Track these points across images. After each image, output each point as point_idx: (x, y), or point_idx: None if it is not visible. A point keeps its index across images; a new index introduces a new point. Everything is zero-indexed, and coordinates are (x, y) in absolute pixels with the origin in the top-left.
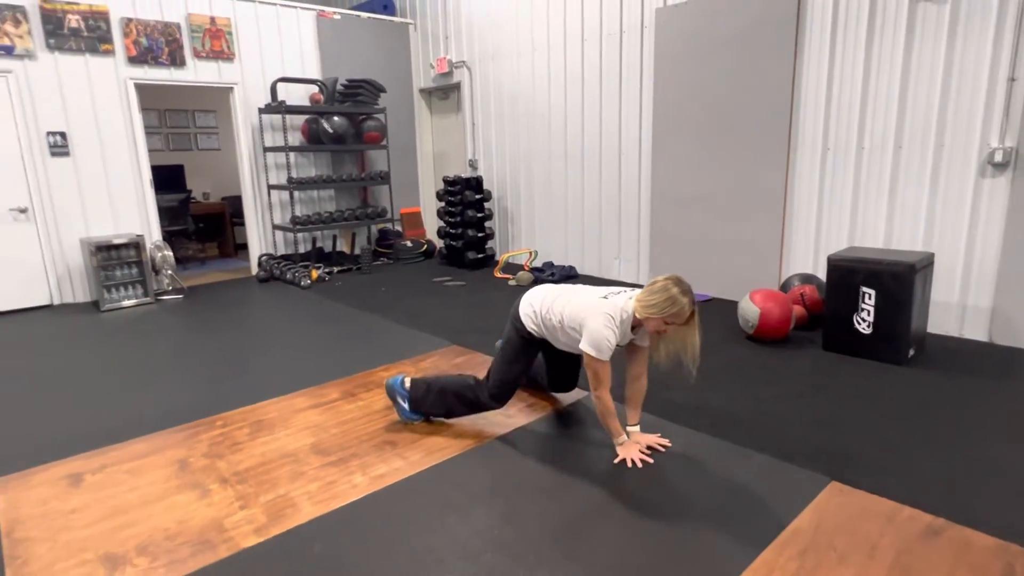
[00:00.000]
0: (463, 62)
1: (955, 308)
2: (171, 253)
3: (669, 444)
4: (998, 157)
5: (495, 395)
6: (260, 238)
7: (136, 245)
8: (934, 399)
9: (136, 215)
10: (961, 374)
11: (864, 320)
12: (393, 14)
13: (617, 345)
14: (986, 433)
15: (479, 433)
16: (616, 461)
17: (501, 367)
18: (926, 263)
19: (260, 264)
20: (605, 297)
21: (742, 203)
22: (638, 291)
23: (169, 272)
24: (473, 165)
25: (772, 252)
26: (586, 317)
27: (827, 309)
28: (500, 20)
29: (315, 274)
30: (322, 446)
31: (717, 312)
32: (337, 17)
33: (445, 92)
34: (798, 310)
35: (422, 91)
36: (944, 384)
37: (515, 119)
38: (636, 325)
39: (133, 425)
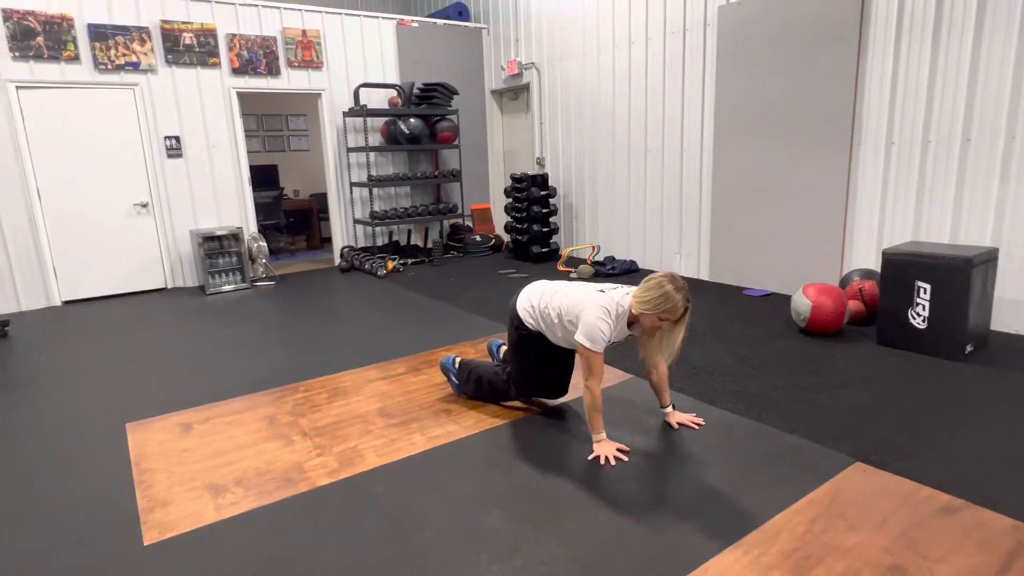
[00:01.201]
0: (532, 64)
1: None
2: (265, 244)
3: (703, 422)
4: None
5: (520, 393)
6: (343, 231)
7: (235, 236)
8: (984, 395)
9: (236, 210)
10: (1020, 372)
11: (919, 315)
12: (467, 20)
13: (613, 341)
14: None
15: (528, 407)
16: (590, 458)
17: (514, 363)
18: (987, 258)
19: (342, 255)
20: (602, 291)
21: (803, 198)
22: (635, 288)
23: (263, 261)
24: (540, 163)
25: (833, 247)
26: (582, 309)
27: (881, 303)
28: (567, 21)
29: (391, 265)
30: (388, 411)
31: (774, 306)
32: (415, 25)
33: (515, 93)
34: (855, 305)
35: (493, 92)
36: (999, 381)
37: (580, 118)
38: (633, 321)
39: (232, 388)
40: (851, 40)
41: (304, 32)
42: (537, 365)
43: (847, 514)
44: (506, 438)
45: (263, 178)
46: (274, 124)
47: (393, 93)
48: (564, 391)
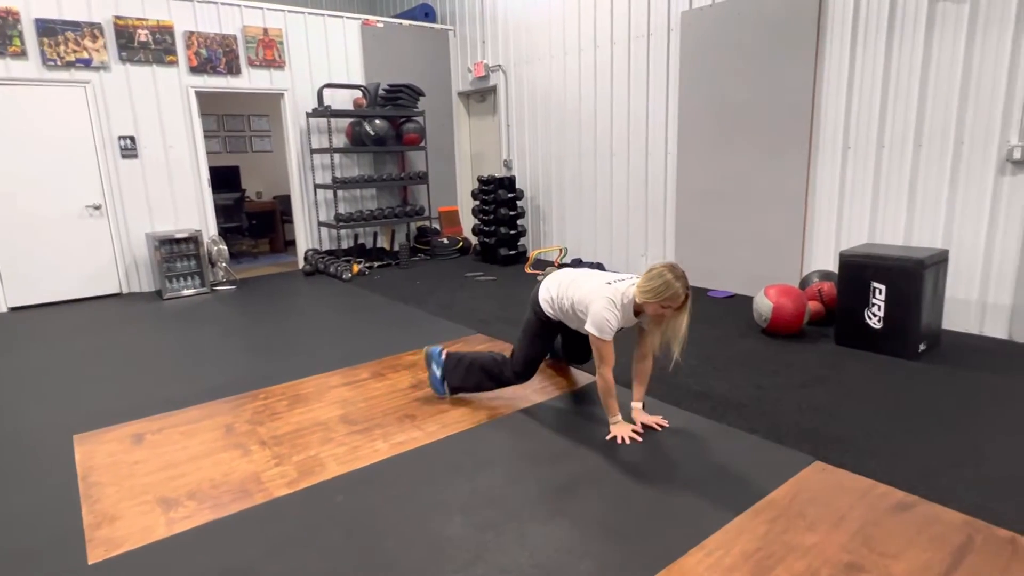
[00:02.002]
0: (499, 66)
1: (975, 305)
2: (225, 247)
3: (667, 424)
4: (1017, 154)
5: (519, 372)
6: (307, 234)
7: (194, 240)
8: (937, 392)
9: (195, 212)
10: (971, 370)
11: (875, 315)
12: (434, 21)
13: (621, 328)
14: (982, 425)
15: (493, 410)
16: (608, 438)
17: (524, 347)
18: (938, 259)
19: (306, 258)
20: (610, 283)
21: (764, 201)
22: (639, 278)
23: (223, 265)
24: (507, 165)
25: (793, 249)
26: (591, 301)
27: (839, 304)
28: (534, 25)
29: (356, 268)
30: (350, 417)
31: (737, 308)
32: (380, 25)
33: (482, 95)
34: (814, 306)
35: (460, 94)
36: (951, 379)
37: (547, 120)
38: (639, 311)
39: (188, 396)
40: (809, 47)
41: (266, 31)
42: (546, 347)
43: (806, 513)
44: (470, 443)
45: (224, 180)
46: (236, 124)
47: (358, 94)
48: (589, 357)
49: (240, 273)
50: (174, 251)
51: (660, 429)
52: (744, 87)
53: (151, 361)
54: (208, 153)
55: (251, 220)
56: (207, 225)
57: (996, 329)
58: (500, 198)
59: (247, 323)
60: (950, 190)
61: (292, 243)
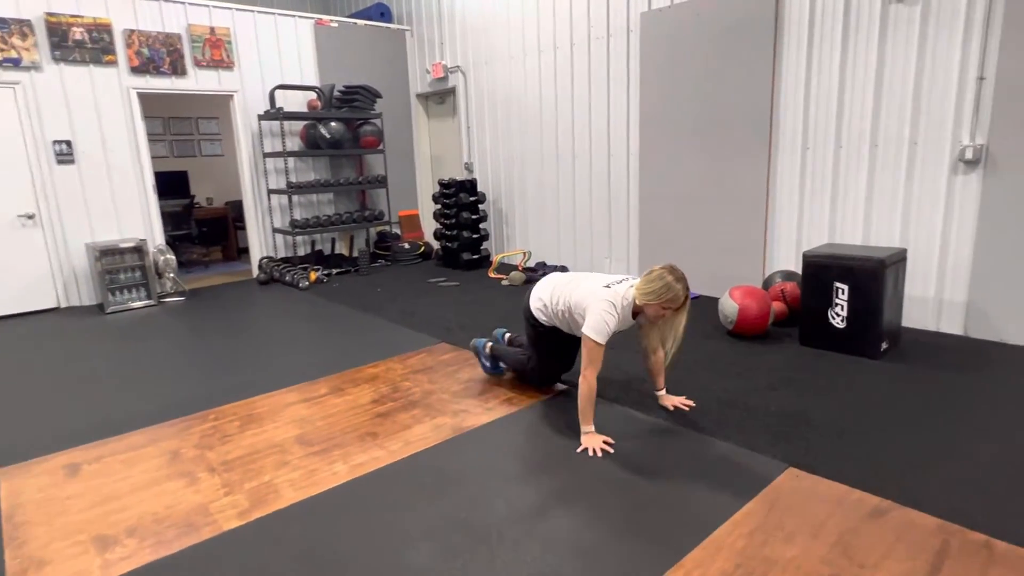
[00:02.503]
0: (458, 67)
1: (932, 303)
2: (173, 257)
3: (693, 404)
4: (969, 154)
5: (541, 384)
6: (261, 241)
7: (139, 249)
8: (901, 391)
9: (139, 220)
10: (931, 367)
11: (838, 315)
12: (390, 21)
13: (617, 331)
14: (946, 425)
15: (458, 425)
16: (579, 450)
17: (534, 357)
18: (897, 258)
19: (260, 267)
20: (608, 286)
21: (726, 202)
22: (638, 280)
23: (171, 275)
24: (468, 168)
25: (756, 250)
26: (589, 304)
27: (803, 304)
28: (492, 25)
29: (313, 276)
30: (307, 437)
31: (702, 309)
32: (334, 25)
33: (441, 97)
34: (778, 306)
35: (419, 96)
36: (913, 377)
37: (508, 122)
38: (637, 312)
39: (131, 419)
40: (766, 47)
41: (212, 30)
42: (553, 355)
43: (784, 524)
44: (436, 462)
45: (172, 185)
46: (183, 127)
47: (312, 96)
48: (569, 367)
49: (190, 283)
50: (117, 262)
51: (687, 409)
52: (704, 88)
53: (89, 382)
54: (154, 158)
55: (201, 227)
56: (153, 233)
57: (952, 325)
58: (462, 201)
59: (197, 337)
60: (906, 189)
61: (246, 251)
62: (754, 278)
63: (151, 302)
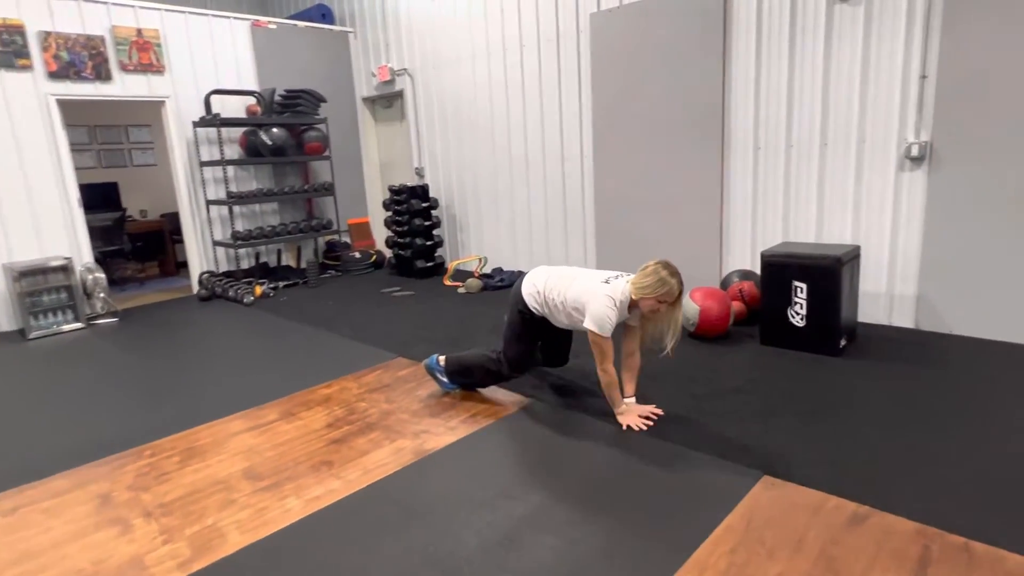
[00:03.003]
0: (405, 70)
1: (884, 297)
2: (103, 275)
3: (661, 413)
4: (914, 151)
5: (513, 368)
6: (200, 255)
7: (64, 268)
8: (863, 389)
9: (64, 237)
10: (889, 362)
11: (798, 313)
12: (332, 23)
13: (617, 324)
14: (909, 420)
15: (419, 448)
16: (624, 428)
17: (511, 345)
18: (852, 255)
19: (201, 282)
20: (606, 281)
21: (681, 203)
22: (632, 275)
23: (101, 295)
24: (420, 173)
25: (712, 250)
26: (589, 300)
27: (763, 304)
28: (439, 27)
29: (259, 290)
30: (256, 470)
31: None
32: (273, 27)
33: (389, 100)
34: (737, 306)
35: (365, 100)
36: (873, 373)
37: (459, 126)
38: (632, 306)
39: (55, 460)
40: (716, 48)
41: (139, 31)
42: (534, 343)
43: (765, 538)
44: (397, 491)
45: (100, 198)
46: (112, 136)
47: (251, 101)
48: (566, 360)
49: (123, 302)
50: (39, 283)
51: (655, 419)
52: (656, 89)
53: (8, 419)
54: (80, 169)
55: (135, 242)
56: (80, 251)
57: (903, 319)
58: (413, 208)
59: (131, 362)
60: (856, 187)
61: (185, 265)
62: (711, 279)
63: (80, 325)
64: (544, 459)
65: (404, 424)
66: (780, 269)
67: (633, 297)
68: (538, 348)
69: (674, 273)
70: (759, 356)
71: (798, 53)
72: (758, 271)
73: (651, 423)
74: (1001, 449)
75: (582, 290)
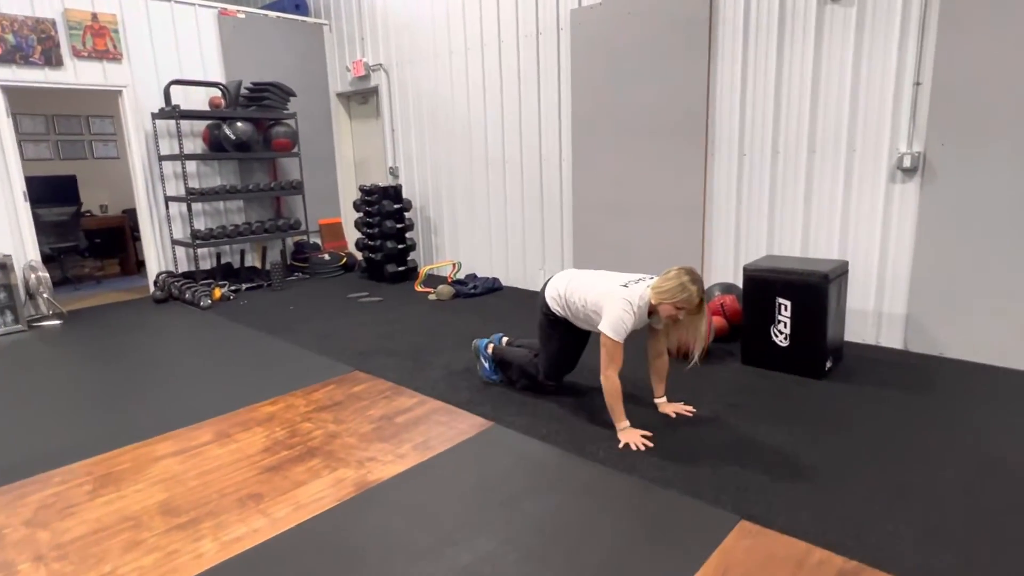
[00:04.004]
0: (380, 65)
1: (871, 316)
2: (46, 274)
3: (694, 410)
4: (907, 162)
5: (548, 376)
6: (159, 255)
7: (3, 266)
8: (850, 418)
9: (7, 232)
10: (877, 387)
11: (781, 332)
12: (306, 14)
13: (633, 329)
14: (901, 455)
15: (362, 480)
16: (620, 447)
17: (544, 350)
18: (840, 272)
19: (156, 283)
20: (625, 285)
21: (662, 210)
22: (654, 279)
23: (45, 295)
24: (394, 173)
25: (693, 261)
26: (607, 303)
27: (744, 321)
28: (416, 22)
29: (218, 293)
30: (173, 504)
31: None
32: (242, 16)
33: (364, 96)
34: (718, 321)
35: (340, 95)
36: (860, 399)
37: (435, 125)
38: (652, 311)
39: None
40: (701, 48)
41: (95, 16)
42: (562, 347)
43: None
44: (330, 532)
45: (56, 192)
46: (71, 126)
47: (216, 92)
48: (575, 367)
49: (76, 302)
50: None
51: (690, 415)
52: (637, 91)
53: None
54: (35, 160)
55: (94, 238)
56: (25, 248)
57: (892, 339)
58: (385, 209)
59: (65, 370)
60: (844, 198)
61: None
62: None
63: (19, 328)
64: (499, 496)
65: (349, 450)
66: (763, 285)
67: (652, 302)
68: (573, 355)
69: (696, 280)
70: (739, 377)
71: (787, 55)
72: (741, 284)
73: (651, 444)
74: (999, 492)
75: (602, 293)
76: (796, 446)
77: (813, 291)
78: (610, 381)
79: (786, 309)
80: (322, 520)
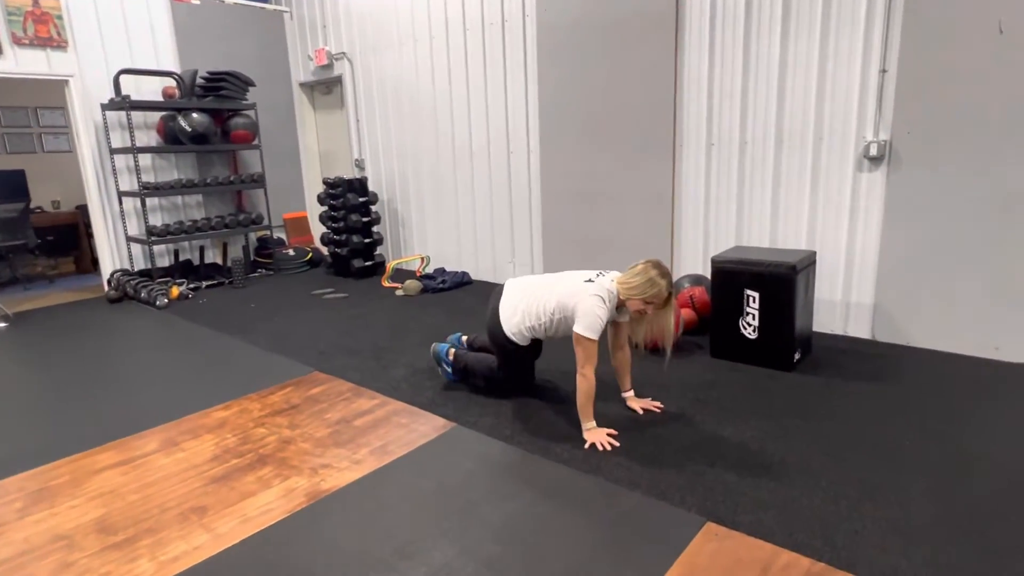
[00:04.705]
0: (343, 54)
1: (839, 306)
2: None
3: (662, 406)
4: (873, 151)
5: (512, 386)
6: (113, 252)
7: None
8: (818, 412)
9: None
10: (846, 379)
11: (750, 324)
12: (266, 1)
13: (606, 324)
14: (866, 449)
15: (315, 489)
16: (586, 447)
17: (508, 369)
18: (808, 262)
19: (110, 282)
20: (591, 280)
21: (631, 201)
22: (615, 273)
23: None
24: (360, 165)
25: (662, 252)
26: (577, 302)
27: (713, 314)
28: (379, 8)
29: (176, 291)
30: (110, 520)
31: None
32: (196, 2)
33: (327, 86)
34: (687, 313)
35: (303, 85)
36: (828, 392)
37: (400, 115)
38: (620, 305)
39: None
40: (668, 37)
41: (36, 1)
42: (525, 361)
43: None
44: (276, 548)
45: (3, 187)
46: (17, 119)
47: (170, 82)
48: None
49: (22, 304)
50: None
51: (659, 411)
52: (605, 81)
53: None
54: None
55: (46, 236)
56: None
57: (860, 329)
58: (350, 203)
59: (5, 377)
60: (812, 188)
61: None
62: None
63: None
64: (458, 502)
65: (303, 456)
66: (731, 276)
67: (620, 297)
68: (533, 359)
69: (664, 274)
70: (708, 371)
71: (753, 43)
72: (710, 276)
73: (616, 443)
74: (966, 485)
75: (566, 293)
76: (763, 442)
77: (781, 282)
78: (588, 380)
79: (754, 301)
80: (270, 533)
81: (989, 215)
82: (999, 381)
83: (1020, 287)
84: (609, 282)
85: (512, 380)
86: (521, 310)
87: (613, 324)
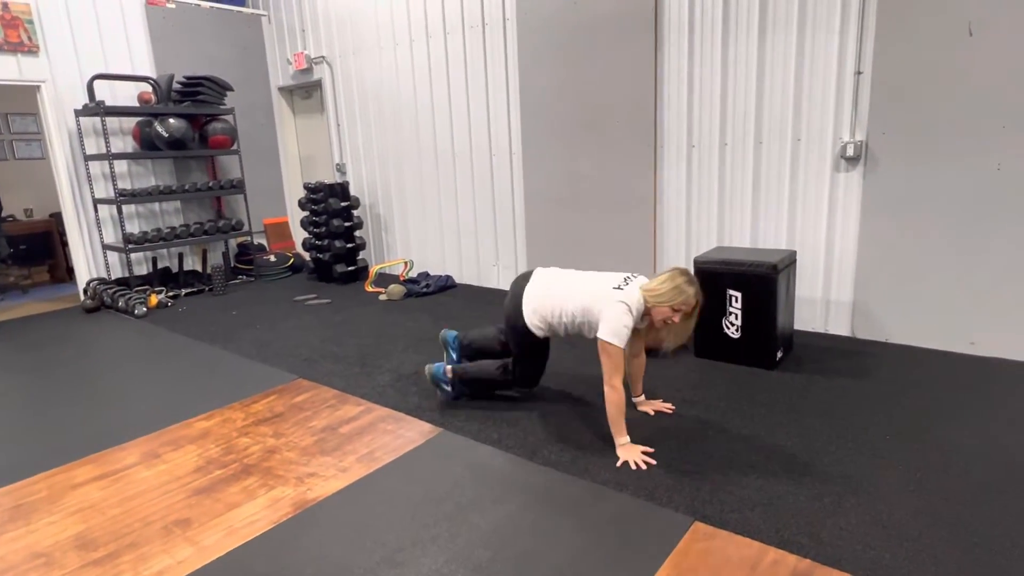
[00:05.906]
0: (323, 57)
1: (820, 304)
2: None
3: (673, 407)
4: (850, 151)
5: (525, 385)
6: (89, 261)
7: None
8: (801, 409)
9: None
10: (827, 376)
11: (733, 324)
12: (242, 4)
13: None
14: (848, 445)
15: (302, 498)
16: (619, 464)
17: (523, 364)
18: (788, 262)
19: (86, 291)
20: (618, 287)
21: (614, 203)
22: (643, 279)
23: None
24: (341, 169)
25: (645, 253)
26: (603, 308)
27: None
28: (359, 12)
29: (154, 300)
30: (90, 536)
31: None
32: (171, 6)
33: (308, 91)
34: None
35: (282, 89)
36: (810, 389)
37: (382, 119)
38: (646, 313)
39: None
40: (647, 39)
41: (6, 5)
42: (542, 357)
43: None
44: (262, 559)
45: None
46: None
47: (146, 87)
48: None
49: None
50: None
51: (670, 412)
52: (586, 84)
53: None
54: None
55: (20, 244)
56: None
57: (840, 327)
58: (331, 207)
59: None
60: (791, 188)
61: None
62: None
63: None
64: (446, 508)
65: (289, 466)
66: (714, 277)
67: (647, 304)
68: (546, 357)
69: (691, 282)
70: (692, 371)
71: (732, 45)
72: None
73: (652, 461)
74: (947, 478)
75: (591, 297)
76: (748, 441)
77: (763, 282)
78: (617, 392)
79: (737, 301)
80: (255, 545)
81: (962, 213)
82: (975, 375)
83: (993, 283)
84: (636, 289)
85: (527, 376)
86: (547, 304)
87: (634, 332)
